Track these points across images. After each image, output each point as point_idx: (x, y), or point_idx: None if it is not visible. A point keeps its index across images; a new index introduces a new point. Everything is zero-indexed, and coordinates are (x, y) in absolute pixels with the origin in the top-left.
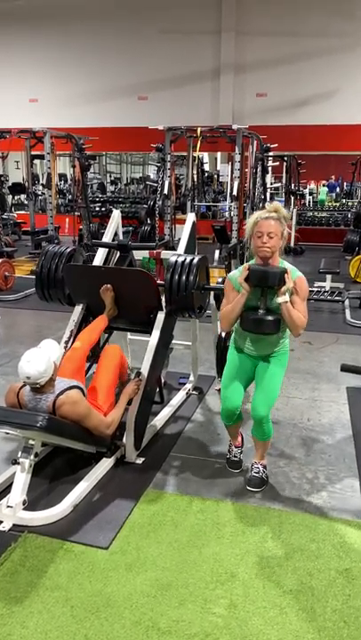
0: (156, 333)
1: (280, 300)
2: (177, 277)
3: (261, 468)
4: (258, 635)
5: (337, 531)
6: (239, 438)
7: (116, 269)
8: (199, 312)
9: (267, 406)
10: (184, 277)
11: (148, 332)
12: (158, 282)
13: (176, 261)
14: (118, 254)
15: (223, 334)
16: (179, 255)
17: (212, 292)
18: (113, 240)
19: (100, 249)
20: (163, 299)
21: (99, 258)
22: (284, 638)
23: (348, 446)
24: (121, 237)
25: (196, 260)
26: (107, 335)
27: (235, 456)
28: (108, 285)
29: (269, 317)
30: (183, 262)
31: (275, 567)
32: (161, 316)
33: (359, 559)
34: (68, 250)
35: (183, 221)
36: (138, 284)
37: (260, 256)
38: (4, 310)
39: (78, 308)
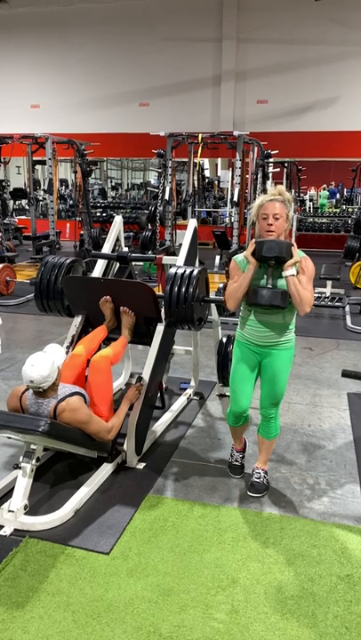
0: (155, 345)
1: (287, 273)
2: (176, 289)
3: (263, 474)
4: None
5: (338, 536)
6: (241, 443)
7: (116, 281)
8: (198, 324)
9: (275, 403)
10: (183, 289)
11: (148, 343)
12: (158, 293)
13: (175, 273)
14: (118, 264)
15: (224, 340)
16: (178, 267)
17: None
18: (115, 245)
19: (99, 260)
20: (162, 310)
21: (98, 268)
22: None
23: (348, 452)
24: (123, 243)
25: (195, 272)
26: (105, 346)
27: (236, 460)
28: (108, 297)
29: (277, 289)
30: (183, 274)
31: (276, 573)
32: (160, 328)
33: (360, 565)
34: (68, 261)
35: (184, 227)
36: (137, 295)
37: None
38: (5, 315)
39: (77, 320)
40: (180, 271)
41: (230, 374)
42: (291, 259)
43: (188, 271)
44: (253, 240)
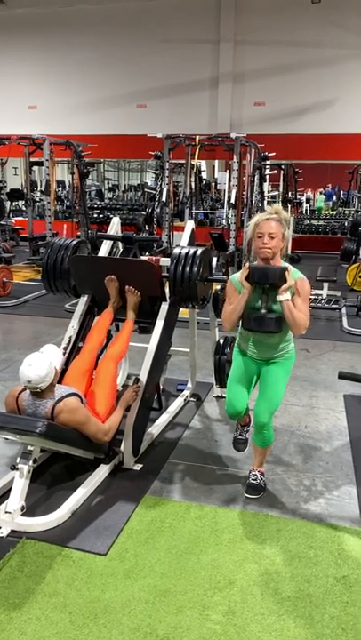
0: (160, 323)
1: (281, 297)
2: (181, 268)
3: (259, 475)
4: None
5: (334, 538)
6: (246, 420)
7: (121, 260)
8: (202, 303)
9: (269, 413)
10: (188, 268)
11: (152, 323)
12: (162, 273)
13: (180, 253)
14: (122, 249)
15: (221, 341)
16: (182, 247)
17: (211, 297)
18: (112, 247)
19: (104, 242)
20: (167, 289)
21: (104, 250)
22: None
23: (345, 453)
24: (120, 244)
25: (199, 252)
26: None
27: (240, 435)
28: (113, 276)
29: (271, 315)
30: (187, 254)
31: (273, 574)
32: (165, 307)
33: (357, 566)
34: (74, 242)
35: (181, 229)
36: (143, 274)
37: (262, 257)
38: (2, 316)
39: (84, 299)
40: (185, 251)
41: (228, 377)
42: (285, 283)
43: (192, 251)
44: (248, 264)
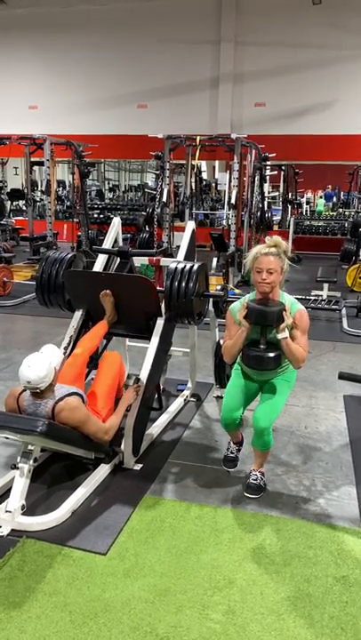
0: (155, 339)
1: (279, 336)
2: (177, 284)
3: (259, 476)
4: None
5: (334, 538)
6: (239, 437)
7: (116, 275)
8: (198, 318)
9: (269, 419)
10: (184, 284)
11: (148, 337)
12: (158, 288)
13: (176, 268)
14: (118, 260)
15: (221, 342)
16: (178, 262)
17: (211, 299)
18: (113, 247)
19: (99, 255)
20: (162, 305)
21: (99, 264)
22: None
23: (344, 454)
24: (121, 244)
25: (195, 267)
26: (105, 341)
27: (231, 452)
28: (108, 291)
29: (270, 354)
30: (183, 269)
31: (272, 574)
32: (160, 322)
33: (356, 566)
34: (69, 256)
35: (181, 229)
36: (138, 289)
37: (260, 291)
38: (2, 316)
39: (78, 314)
40: (181, 266)
41: (227, 384)
42: (282, 322)
43: (188, 266)
44: (246, 302)
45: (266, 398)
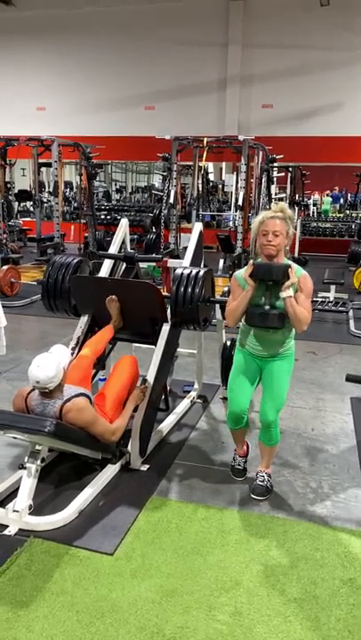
0: (161, 345)
1: (284, 294)
2: (182, 290)
3: (266, 477)
4: None
5: (341, 540)
6: (244, 447)
7: (123, 281)
8: (204, 324)
9: (275, 410)
10: (190, 290)
11: (154, 343)
12: (164, 294)
13: (182, 274)
14: (125, 265)
15: (228, 343)
16: (184, 268)
17: (212, 317)
18: (120, 248)
19: (105, 261)
20: (168, 310)
21: (105, 268)
22: None
23: (352, 456)
24: (129, 246)
25: (201, 273)
26: (111, 346)
27: (239, 464)
28: (114, 296)
29: (274, 312)
30: (189, 275)
31: (279, 575)
32: (166, 328)
33: None
34: (75, 261)
35: (188, 230)
36: (144, 295)
37: (265, 254)
38: (10, 316)
39: (84, 319)
40: (187, 272)
41: (230, 375)
42: (288, 280)
43: (194, 272)
44: (251, 262)
45: (269, 389)
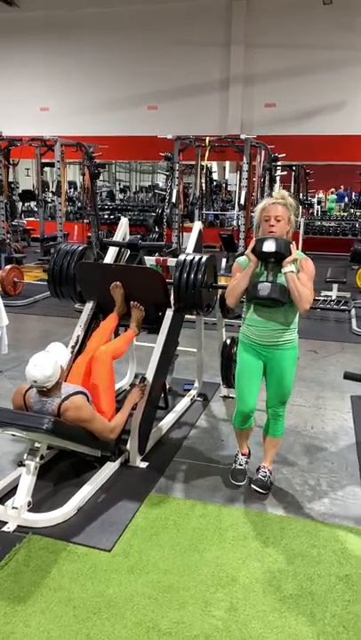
0: (164, 330)
1: (286, 269)
2: (185, 275)
3: (268, 473)
4: (257, 638)
5: (338, 537)
6: (246, 448)
7: (127, 267)
8: (207, 309)
9: (282, 401)
10: (192, 275)
11: (157, 329)
12: (167, 280)
13: (185, 260)
14: (128, 254)
15: (228, 341)
16: (187, 254)
17: (219, 300)
18: (120, 251)
19: (110, 248)
20: (171, 296)
21: (109, 257)
22: None
23: (350, 454)
24: None
25: (204, 259)
26: (114, 335)
27: (240, 464)
28: (118, 282)
29: (275, 284)
30: (192, 261)
31: (275, 572)
32: (170, 314)
33: (359, 565)
34: (80, 248)
35: (190, 230)
36: (147, 281)
37: None
38: (13, 315)
39: (89, 305)
40: (190, 258)
41: (236, 375)
42: (290, 255)
43: (196, 258)
44: (254, 238)
45: (275, 382)
